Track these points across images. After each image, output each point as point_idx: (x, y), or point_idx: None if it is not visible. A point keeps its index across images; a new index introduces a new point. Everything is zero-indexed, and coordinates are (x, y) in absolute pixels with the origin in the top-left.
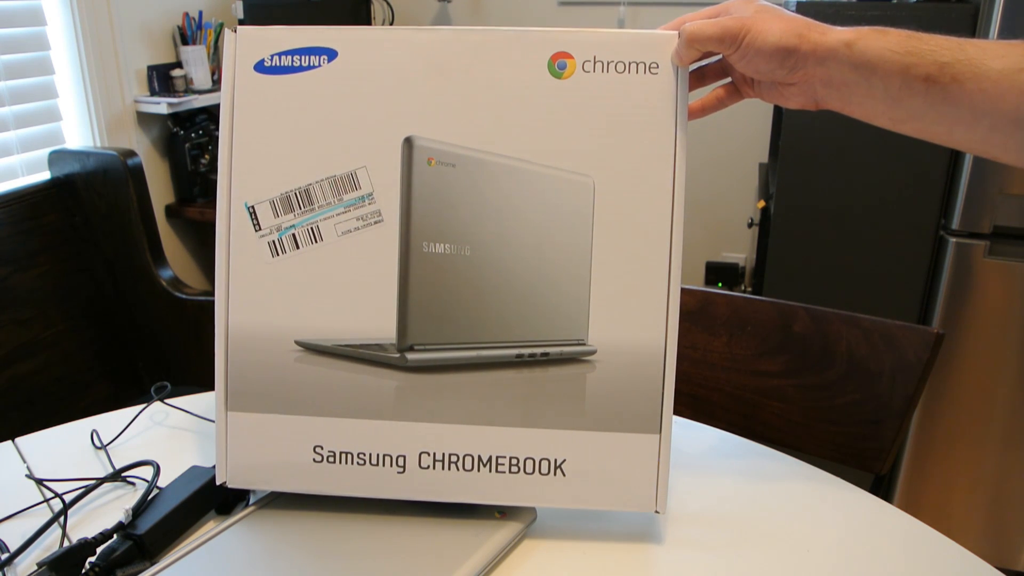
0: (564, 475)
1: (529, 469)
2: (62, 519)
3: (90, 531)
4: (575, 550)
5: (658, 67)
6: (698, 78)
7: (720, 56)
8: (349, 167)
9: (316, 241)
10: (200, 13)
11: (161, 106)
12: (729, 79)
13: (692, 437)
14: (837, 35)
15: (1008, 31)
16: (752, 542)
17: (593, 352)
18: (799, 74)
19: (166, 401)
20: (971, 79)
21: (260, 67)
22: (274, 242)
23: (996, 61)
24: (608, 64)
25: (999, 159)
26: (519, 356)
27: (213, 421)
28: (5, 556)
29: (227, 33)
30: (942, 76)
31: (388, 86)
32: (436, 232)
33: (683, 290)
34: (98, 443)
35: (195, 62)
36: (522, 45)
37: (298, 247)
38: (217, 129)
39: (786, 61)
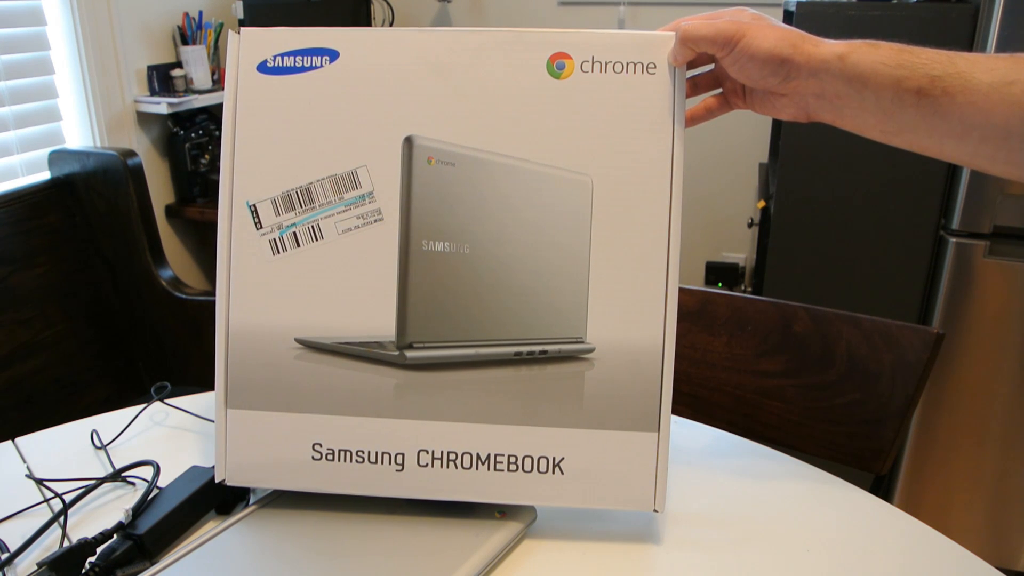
0: (563, 473)
1: (528, 467)
2: (62, 519)
3: (90, 531)
4: (575, 550)
5: (655, 67)
6: (690, 87)
7: (712, 66)
8: (350, 166)
9: (317, 239)
10: (200, 13)
11: (161, 106)
12: (720, 89)
13: (691, 436)
14: (830, 47)
15: (1008, 31)
16: (751, 542)
17: (591, 350)
18: (792, 84)
19: (166, 401)
20: (961, 92)
21: (263, 67)
22: (275, 240)
23: (985, 74)
24: (606, 64)
25: (989, 171)
26: (518, 354)
27: (213, 421)
28: (5, 556)
29: (231, 34)
30: (933, 89)
31: (388, 86)
32: (435, 231)
33: (683, 290)
34: (98, 443)
35: (195, 62)
36: (521, 45)
37: (299, 245)
38: (217, 129)
39: (779, 69)
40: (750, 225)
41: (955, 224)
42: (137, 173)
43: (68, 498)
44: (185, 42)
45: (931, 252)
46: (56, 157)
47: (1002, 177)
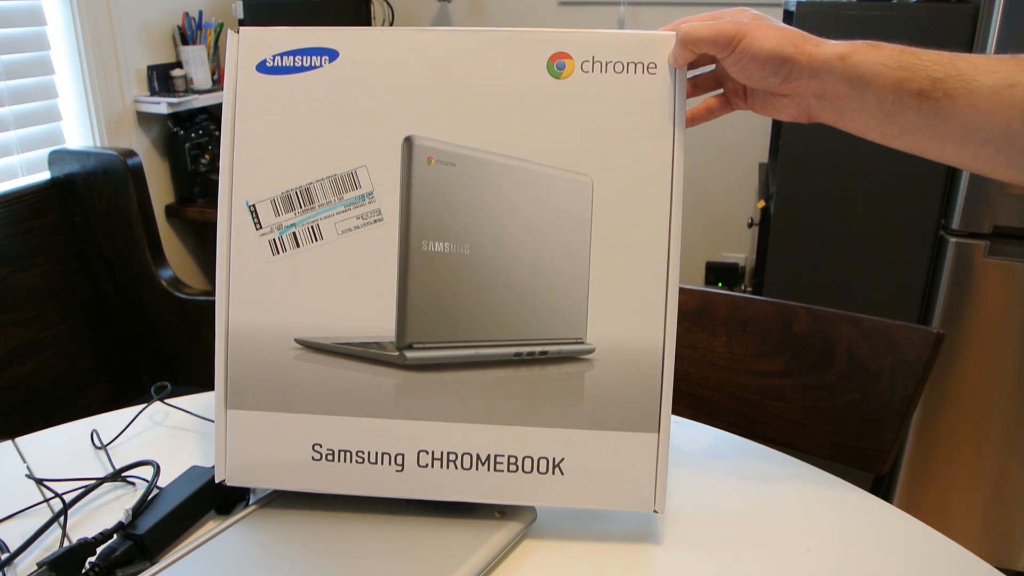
0: (563, 474)
1: (528, 468)
2: (62, 519)
3: (90, 531)
4: (575, 550)
5: (656, 67)
6: (691, 88)
7: (713, 66)
8: (349, 166)
9: (316, 240)
10: (200, 13)
11: (161, 106)
12: (721, 90)
13: (691, 437)
14: (831, 48)
15: (1008, 31)
16: (751, 542)
17: (592, 351)
18: (793, 85)
19: (166, 401)
20: (963, 95)
21: (262, 67)
22: (275, 240)
23: (987, 77)
24: (606, 64)
25: (990, 175)
26: (518, 354)
27: (213, 421)
28: (5, 556)
29: (230, 33)
30: (935, 91)
31: (388, 86)
32: (435, 231)
33: (683, 290)
34: (98, 443)
35: (195, 62)
36: (521, 45)
37: (298, 245)
38: (217, 129)
39: (780, 69)
40: (750, 225)
41: (955, 224)
42: (137, 173)
43: (68, 498)
44: (185, 42)
45: (931, 252)
46: (56, 157)
47: (1006, 181)
